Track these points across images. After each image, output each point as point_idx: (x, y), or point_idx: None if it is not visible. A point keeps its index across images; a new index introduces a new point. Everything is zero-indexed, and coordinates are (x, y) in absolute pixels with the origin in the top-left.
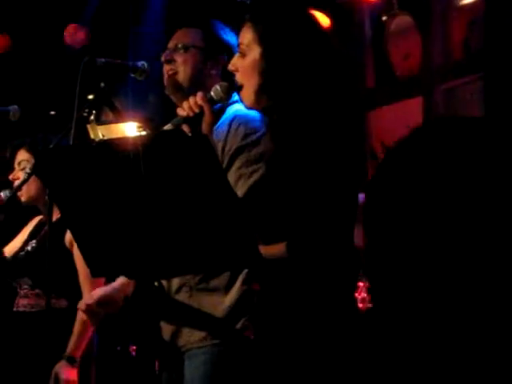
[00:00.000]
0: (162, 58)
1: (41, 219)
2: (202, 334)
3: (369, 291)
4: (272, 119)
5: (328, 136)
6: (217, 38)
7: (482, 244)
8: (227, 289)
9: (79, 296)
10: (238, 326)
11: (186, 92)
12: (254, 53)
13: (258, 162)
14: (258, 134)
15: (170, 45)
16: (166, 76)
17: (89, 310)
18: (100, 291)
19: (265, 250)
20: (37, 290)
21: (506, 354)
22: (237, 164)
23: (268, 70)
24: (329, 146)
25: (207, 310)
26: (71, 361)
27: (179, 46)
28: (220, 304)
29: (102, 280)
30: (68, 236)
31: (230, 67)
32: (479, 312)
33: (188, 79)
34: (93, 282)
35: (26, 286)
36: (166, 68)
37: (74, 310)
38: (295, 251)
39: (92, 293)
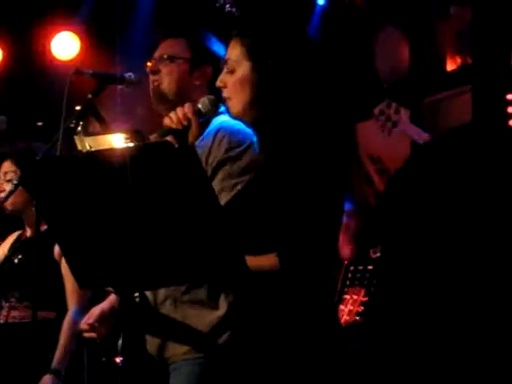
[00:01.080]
0: (148, 69)
1: (20, 233)
2: (188, 346)
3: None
4: (264, 130)
5: (318, 144)
6: (203, 48)
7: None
8: (212, 301)
9: (67, 308)
10: (224, 338)
11: (171, 103)
12: (244, 67)
13: (241, 175)
14: (241, 148)
15: (156, 55)
16: (151, 86)
17: (92, 328)
18: (98, 309)
19: (256, 261)
20: (25, 302)
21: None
22: (219, 176)
23: (260, 83)
24: (319, 155)
25: (192, 322)
26: (57, 374)
27: (165, 56)
28: (206, 317)
29: (89, 292)
30: (57, 248)
31: (219, 84)
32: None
33: (173, 90)
34: (79, 294)
35: (13, 299)
36: (152, 78)
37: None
38: (287, 263)
39: (91, 311)
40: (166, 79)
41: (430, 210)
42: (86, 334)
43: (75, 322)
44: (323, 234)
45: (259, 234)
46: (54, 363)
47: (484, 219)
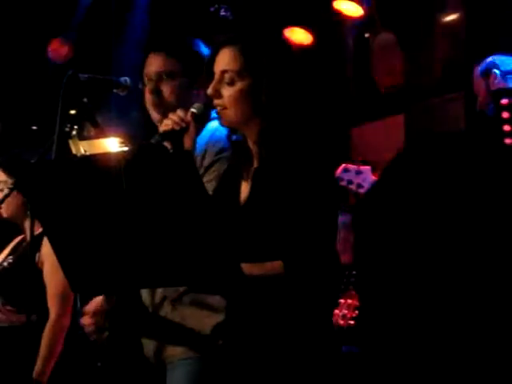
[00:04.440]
0: (148, 87)
1: (23, 237)
2: (186, 346)
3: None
4: (269, 142)
5: (320, 152)
6: (197, 60)
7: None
8: (212, 303)
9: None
10: (222, 340)
11: None
12: (245, 81)
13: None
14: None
15: (150, 72)
16: (150, 102)
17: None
18: (95, 303)
19: (260, 267)
20: (8, 307)
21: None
22: (207, 177)
23: (260, 95)
24: (320, 161)
25: (191, 323)
26: None
27: (163, 76)
28: (205, 318)
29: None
30: (41, 256)
31: (211, 92)
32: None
33: (176, 104)
34: (64, 298)
35: None
36: (149, 96)
37: (41, 326)
38: (293, 269)
39: (89, 308)
40: (168, 97)
41: (419, 209)
42: (89, 329)
43: (63, 327)
44: (327, 241)
45: (264, 242)
46: (35, 374)
47: (476, 218)
